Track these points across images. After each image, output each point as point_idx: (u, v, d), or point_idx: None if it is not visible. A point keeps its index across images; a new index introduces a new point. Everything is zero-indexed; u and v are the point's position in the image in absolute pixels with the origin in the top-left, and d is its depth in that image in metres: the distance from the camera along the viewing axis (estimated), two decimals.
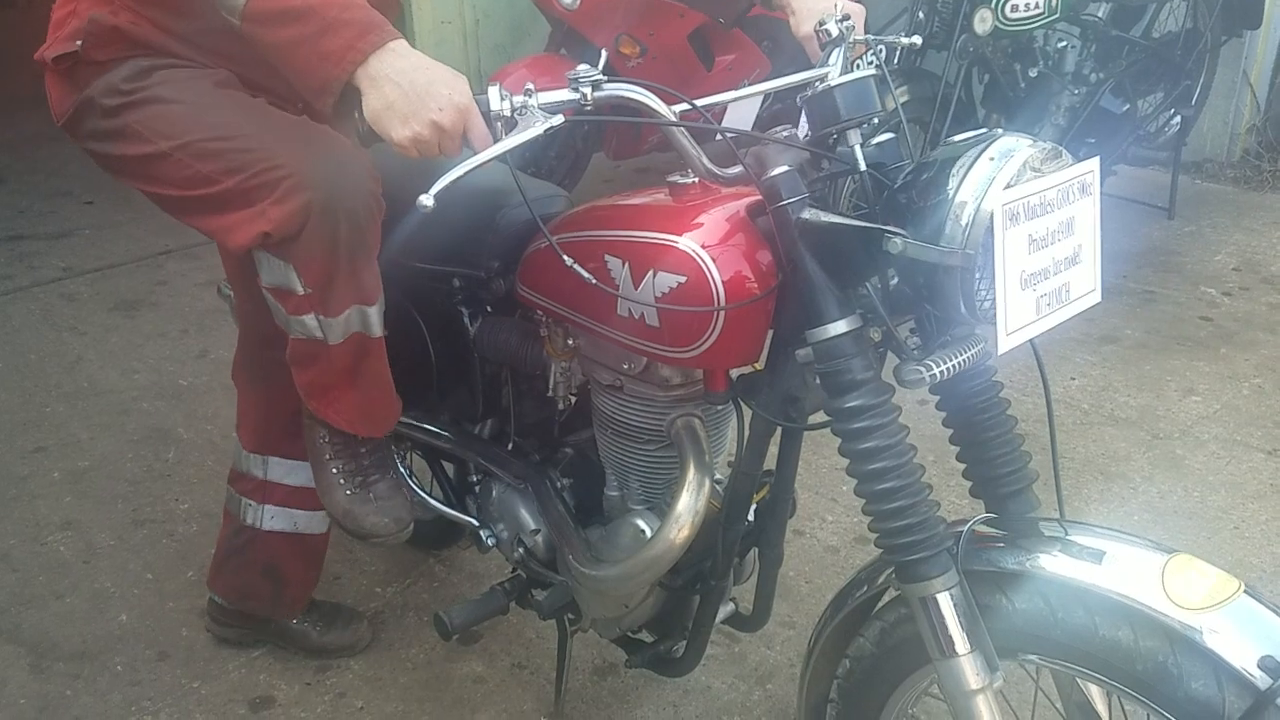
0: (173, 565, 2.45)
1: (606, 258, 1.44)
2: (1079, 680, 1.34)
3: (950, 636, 1.23)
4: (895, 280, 1.24)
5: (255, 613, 2.13)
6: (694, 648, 1.71)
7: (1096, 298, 1.26)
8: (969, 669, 1.23)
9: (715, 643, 1.78)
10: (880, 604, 1.39)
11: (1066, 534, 1.24)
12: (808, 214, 1.24)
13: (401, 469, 1.93)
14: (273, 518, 1.99)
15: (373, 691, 2.09)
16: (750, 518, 1.63)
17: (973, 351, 1.24)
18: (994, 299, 1.12)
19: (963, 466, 1.36)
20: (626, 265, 1.41)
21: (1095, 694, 1.38)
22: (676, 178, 1.46)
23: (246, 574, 2.07)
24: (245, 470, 1.99)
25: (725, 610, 1.77)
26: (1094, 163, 1.19)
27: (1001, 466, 1.33)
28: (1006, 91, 3.75)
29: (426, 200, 1.17)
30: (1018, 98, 3.74)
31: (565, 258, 1.34)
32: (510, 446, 1.84)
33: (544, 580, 1.76)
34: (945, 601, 1.23)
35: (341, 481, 1.74)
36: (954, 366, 1.22)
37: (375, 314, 1.61)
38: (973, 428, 1.34)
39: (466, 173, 1.20)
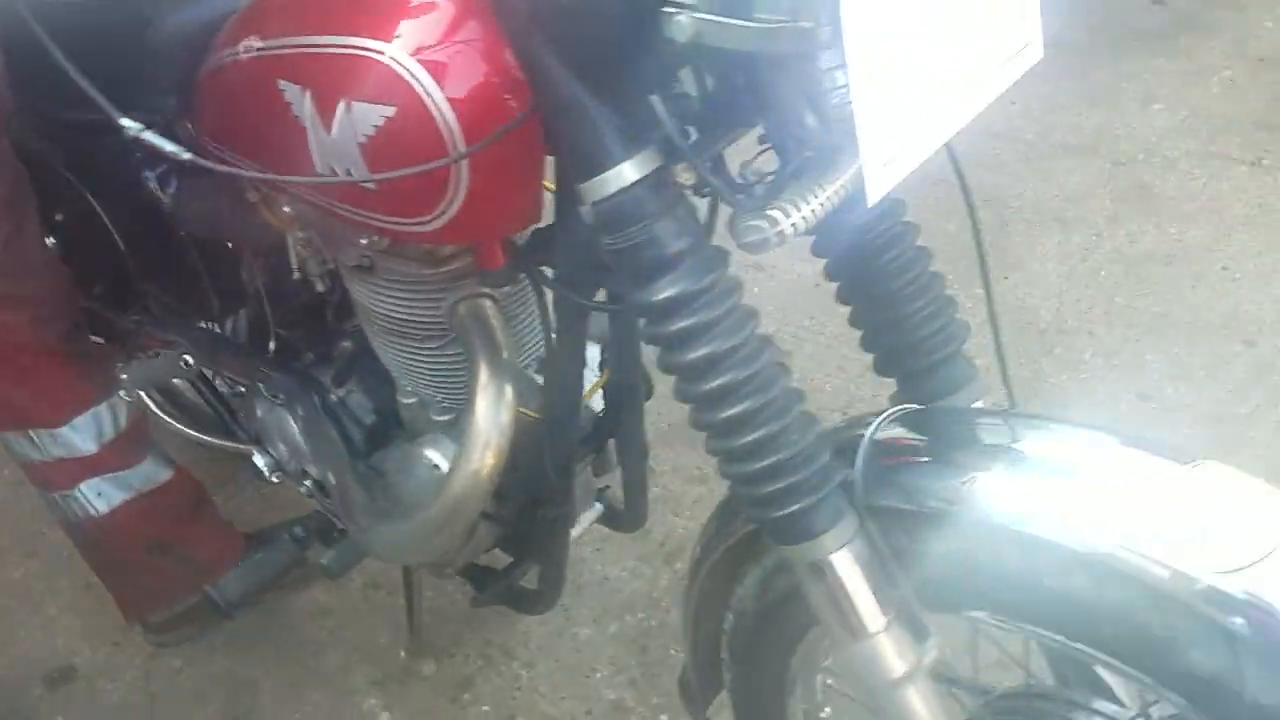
0: None
1: (281, 84, 0.93)
2: None
3: (858, 612, 0.82)
4: (709, 84, 0.74)
5: (187, 599, 1.62)
6: (550, 581, 1.32)
7: (1036, 53, 0.78)
8: (889, 650, 0.83)
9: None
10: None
11: (1017, 439, 0.81)
12: None
13: None
14: (99, 494, 1.50)
15: (191, 647, 1.69)
16: (599, 410, 1.21)
17: (841, 182, 0.76)
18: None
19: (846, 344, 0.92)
20: (308, 94, 0.91)
21: None
22: None
23: (140, 572, 1.59)
24: (33, 459, 1.48)
25: (593, 512, 1.38)
26: None
27: (918, 328, 0.89)
28: None
29: None
30: None
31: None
32: (273, 347, 1.36)
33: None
34: (844, 563, 0.82)
35: None
36: (814, 211, 0.74)
37: None
38: (869, 280, 0.89)
39: None
